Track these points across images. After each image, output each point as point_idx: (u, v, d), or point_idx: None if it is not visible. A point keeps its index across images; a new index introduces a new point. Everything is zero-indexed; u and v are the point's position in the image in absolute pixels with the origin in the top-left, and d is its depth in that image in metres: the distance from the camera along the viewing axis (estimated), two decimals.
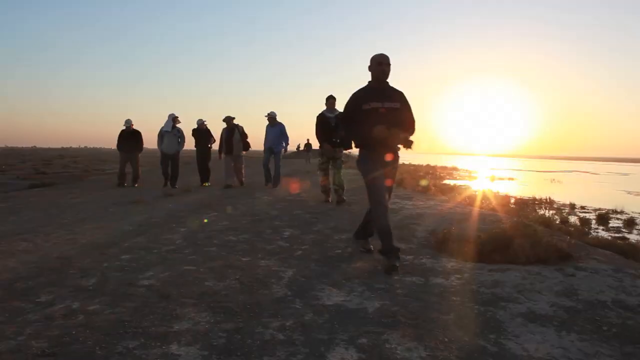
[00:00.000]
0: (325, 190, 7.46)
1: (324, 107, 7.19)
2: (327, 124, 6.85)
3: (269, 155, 9.88)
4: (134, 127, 10.82)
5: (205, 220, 5.53)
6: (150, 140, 13.08)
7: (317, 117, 7.03)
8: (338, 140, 6.78)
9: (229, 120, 10.06)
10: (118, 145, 10.65)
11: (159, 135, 10.24)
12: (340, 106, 6.76)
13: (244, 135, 10.17)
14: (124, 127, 10.68)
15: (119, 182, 10.62)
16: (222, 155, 10.36)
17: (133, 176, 10.77)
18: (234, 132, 10.03)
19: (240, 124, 10.22)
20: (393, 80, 3.61)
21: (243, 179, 10.51)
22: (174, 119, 10.30)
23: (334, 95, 7.08)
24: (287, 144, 9.96)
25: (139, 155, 10.86)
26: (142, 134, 10.88)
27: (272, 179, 9.93)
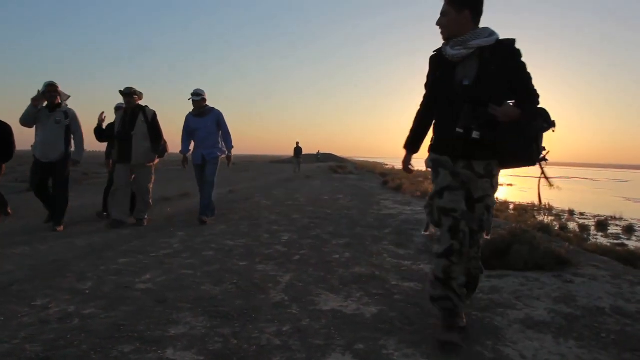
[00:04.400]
0: (446, 292, 2.16)
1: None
2: (447, 82, 2.19)
3: (202, 172, 5.76)
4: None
5: None
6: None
7: (431, 58, 2.32)
8: (477, 134, 2.08)
9: (128, 96, 5.40)
10: None
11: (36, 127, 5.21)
12: None
13: (154, 129, 5.45)
14: None
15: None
16: (110, 161, 6.03)
17: None
18: (136, 119, 5.39)
19: (150, 108, 5.52)
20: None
21: (146, 216, 5.54)
22: (48, 86, 5.04)
23: None
24: (230, 145, 5.86)
25: (4, 165, 5.74)
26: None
27: (200, 207, 5.68)
